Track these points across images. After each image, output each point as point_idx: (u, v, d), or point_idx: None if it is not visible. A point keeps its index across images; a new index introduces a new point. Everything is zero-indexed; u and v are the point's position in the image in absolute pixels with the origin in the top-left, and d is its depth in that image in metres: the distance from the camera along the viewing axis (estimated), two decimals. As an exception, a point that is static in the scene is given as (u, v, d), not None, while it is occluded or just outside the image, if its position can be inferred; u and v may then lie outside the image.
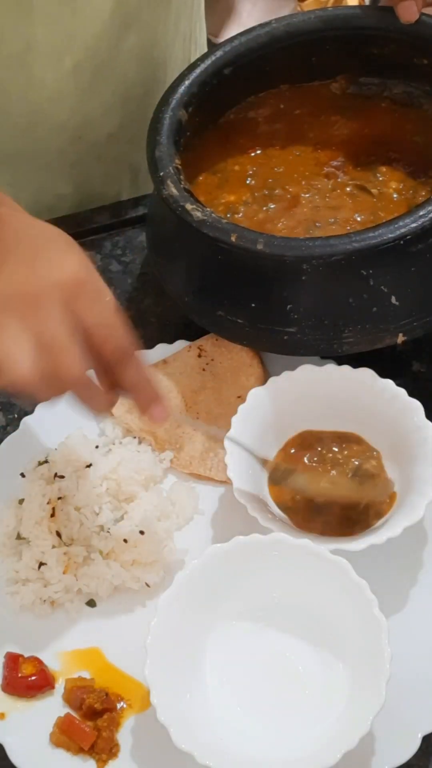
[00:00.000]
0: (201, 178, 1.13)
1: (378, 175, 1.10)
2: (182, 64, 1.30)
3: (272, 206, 1.08)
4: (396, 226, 0.95)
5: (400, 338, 0.99)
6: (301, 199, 1.09)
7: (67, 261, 0.83)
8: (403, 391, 0.99)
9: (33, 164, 1.26)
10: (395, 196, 1.08)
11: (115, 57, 1.20)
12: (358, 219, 1.06)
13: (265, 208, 1.08)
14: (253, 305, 1.01)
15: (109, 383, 0.85)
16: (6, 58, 1.14)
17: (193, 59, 1.33)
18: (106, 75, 1.21)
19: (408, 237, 0.95)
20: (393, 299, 0.98)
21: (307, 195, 1.09)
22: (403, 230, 0.95)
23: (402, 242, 0.95)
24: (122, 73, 1.23)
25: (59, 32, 1.14)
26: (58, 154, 1.27)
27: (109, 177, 1.33)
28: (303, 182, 1.11)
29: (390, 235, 0.94)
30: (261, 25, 1.15)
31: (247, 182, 1.12)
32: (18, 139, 1.23)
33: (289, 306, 0.99)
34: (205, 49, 1.41)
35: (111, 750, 0.89)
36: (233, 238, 0.97)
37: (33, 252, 0.84)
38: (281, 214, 1.08)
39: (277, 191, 1.10)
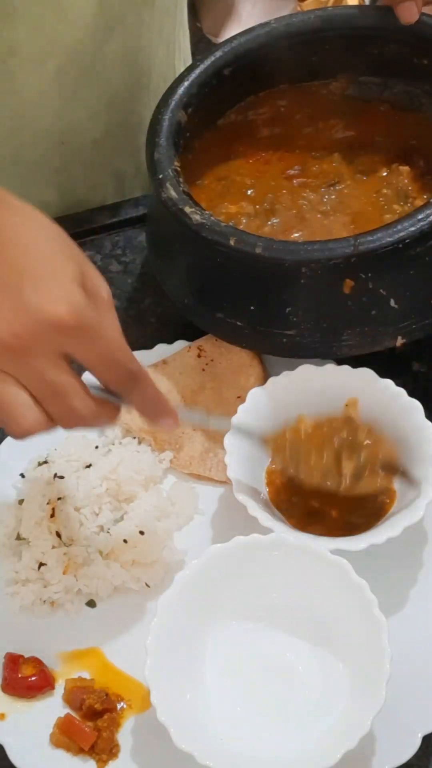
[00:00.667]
0: (206, 182, 1.13)
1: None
2: (166, 70, 1.30)
3: (276, 221, 1.08)
4: (395, 230, 0.95)
5: (399, 341, 0.99)
6: (304, 213, 1.08)
7: (59, 290, 0.74)
8: (403, 391, 0.99)
9: (16, 171, 1.24)
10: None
11: (98, 61, 1.19)
12: None
13: (270, 223, 1.08)
14: (252, 308, 1.01)
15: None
16: None
17: (177, 67, 1.33)
18: (89, 79, 1.20)
19: (407, 241, 0.95)
20: (392, 302, 0.98)
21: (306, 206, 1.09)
22: (401, 234, 0.95)
23: (401, 246, 0.95)
24: (106, 77, 1.22)
25: (42, 36, 1.13)
26: (41, 160, 1.25)
27: (93, 184, 1.32)
28: (303, 202, 1.10)
29: (389, 239, 0.94)
30: (261, 25, 1.14)
31: (248, 193, 1.11)
32: (0, 145, 1.22)
33: (288, 309, 0.99)
34: (189, 56, 1.41)
35: (111, 750, 0.89)
36: (232, 242, 0.97)
37: (18, 274, 0.74)
38: (289, 228, 1.07)
39: (277, 205, 1.09)
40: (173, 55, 1.33)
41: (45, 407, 0.76)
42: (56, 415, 0.77)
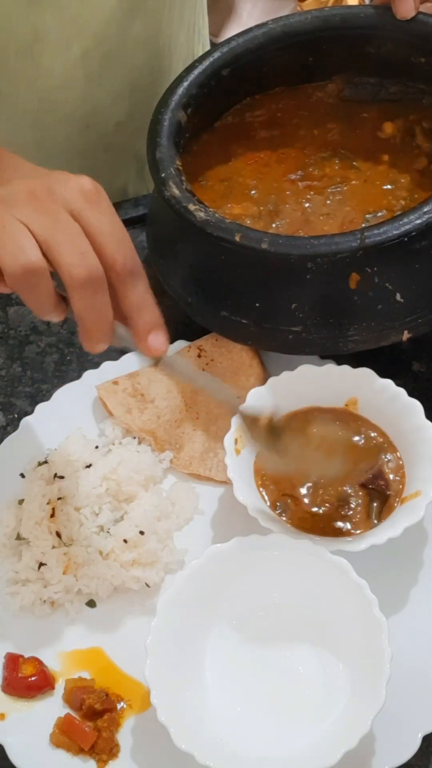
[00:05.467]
0: (210, 183, 1.13)
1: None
2: (187, 54, 1.31)
3: (280, 222, 1.08)
4: (400, 223, 0.95)
5: (406, 335, 0.99)
6: (308, 215, 1.08)
7: (81, 177, 0.80)
8: (403, 391, 0.99)
9: (41, 155, 1.25)
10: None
11: (122, 44, 1.20)
12: None
13: (274, 225, 1.08)
14: (257, 305, 1.01)
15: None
16: (15, 48, 1.14)
17: (196, 50, 1.33)
18: (114, 62, 1.21)
19: (413, 234, 0.94)
20: (398, 296, 0.98)
21: (309, 206, 1.09)
22: (407, 227, 0.94)
23: (407, 239, 0.94)
24: (130, 60, 1.23)
25: (67, 19, 1.14)
26: (66, 143, 1.27)
27: (116, 167, 1.34)
28: (306, 202, 1.10)
29: (395, 232, 0.94)
30: (258, 26, 1.14)
31: (251, 194, 1.11)
32: (26, 129, 1.23)
33: (294, 305, 0.99)
34: (208, 42, 1.42)
35: (111, 750, 0.89)
36: (238, 238, 0.97)
37: (45, 172, 0.82)
38: (294, 230, 1.07)
39: (281, 206, 1.09)
40: (193, 40, 1.34)
41: (52, 245, 0.76)
42: (55, 259, 0.76)
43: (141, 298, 0.80)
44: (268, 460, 0.93)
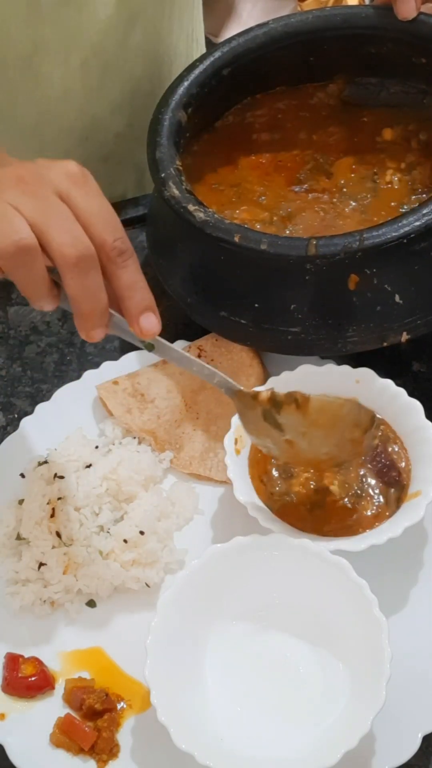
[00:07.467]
0: (221, 188, 1.13)
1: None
2: (186, 61, 1.31)
3: (293, 228, 1.08)
4: (399, 224, 0.95)
5: (404, 336, 0.99)
6: (319, 221, 1.09)
7: (68, 162, 0.81)
8: (403, 391, 0.99)
9: None
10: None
11: (121, 54, 1.20)
12: None
13: (288, 231, 1.08)
14: (256, 305, 1.01)
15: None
16: (14, 60, 1.14)
17: (194, 57, 1.33)
18: (113, 72, 1.21)
19: (412, 235, 0.94)
20: (397, 298, 0.98)
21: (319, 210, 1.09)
22: (406, 229, 0.95)
23: (405, 241, 0.95)
24: (129, 70, 1.23)
25: (66, 30, 1.14)
26: (65, 155, 1.25)
27: (114, 178, 1.33)
28: (321, 211, 1.10)
29: (394, 234, 0.94)
30: (259, 26, 1.15)
31: (260, 200, 1.11)
32: (25, 141, 1.23)
33: (292, 306, 0.99)
34: (204, 47, 1.42)
35: (111, 750, 0.89)
36: (237, 238, 0.97)
37: (30, 162, 0.83)
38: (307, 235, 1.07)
39: (294, 212, 1.09)
40: (192, 47, 1.34)
41: (43, 226, 0.77)
42: (54, 232, 0.77)
43: (132, 278, 0.81)
44: (264, 445, 0.93)
